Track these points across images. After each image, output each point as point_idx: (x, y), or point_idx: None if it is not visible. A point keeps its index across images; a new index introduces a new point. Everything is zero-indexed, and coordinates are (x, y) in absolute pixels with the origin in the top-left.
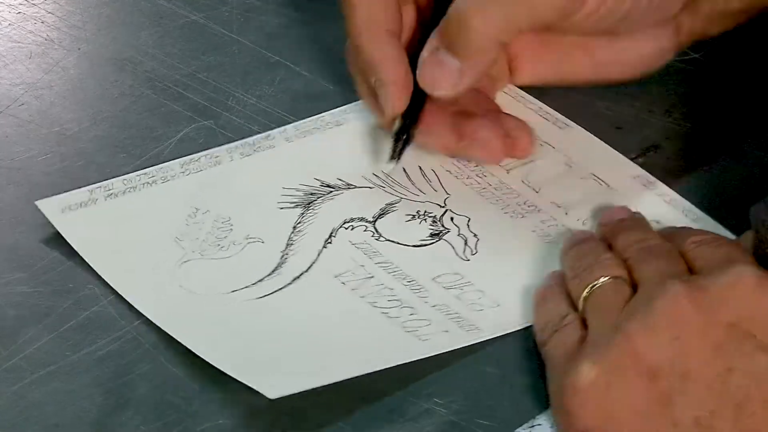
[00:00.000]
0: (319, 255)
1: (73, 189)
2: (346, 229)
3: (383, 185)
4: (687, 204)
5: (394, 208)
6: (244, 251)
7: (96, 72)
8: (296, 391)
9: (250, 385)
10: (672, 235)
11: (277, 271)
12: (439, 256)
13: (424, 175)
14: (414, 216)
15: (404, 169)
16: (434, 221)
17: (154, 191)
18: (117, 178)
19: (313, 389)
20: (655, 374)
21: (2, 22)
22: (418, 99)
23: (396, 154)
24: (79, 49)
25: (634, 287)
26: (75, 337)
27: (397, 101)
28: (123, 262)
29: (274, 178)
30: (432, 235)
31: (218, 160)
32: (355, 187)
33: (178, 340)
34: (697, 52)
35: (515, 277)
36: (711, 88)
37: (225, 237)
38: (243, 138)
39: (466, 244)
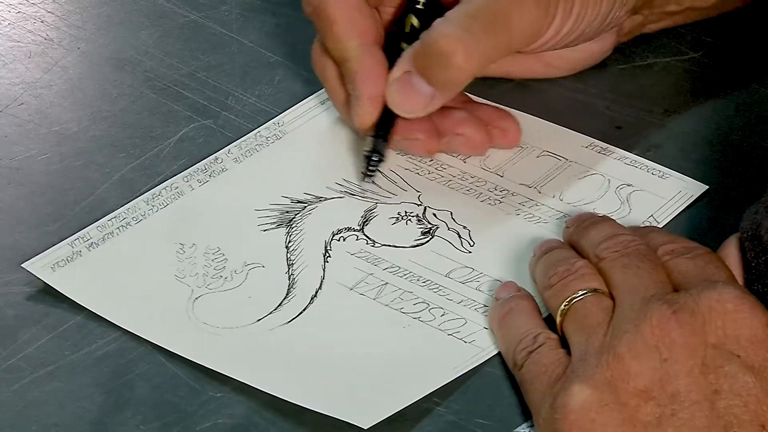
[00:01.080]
0: (324, 270)
1: (72, 189)
2: (338, 240)
3: (352, 192)
4: (649, 163)
5: (375, 214)
6: (249, 278)
7: (95, 71)
8: (387, 416)
9: (342, 418)
10: (641, 235)
11: (291, 294)
12: (441, 253)
13: (386, 176)
14: (398, 218)
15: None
16: (419, 220)
17: (132, 234)
18: (91, 227)
19: None
20: (646, 395)
21: (2, 22)
22: (390, 114)
23: (369, 173)
24: (78, 48)
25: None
26: (74, 336)
27: (367, 116)
28: (135, 310)
29: (243, 201)
30: (423, 233)
31: (179, 191)
32: (325, 198)
33: (241, 380)
34: (696, 52)
35: (523, 261)
36: (710, 88)
37: (224, 267)
38: (240, 138)
39: (459, 236)
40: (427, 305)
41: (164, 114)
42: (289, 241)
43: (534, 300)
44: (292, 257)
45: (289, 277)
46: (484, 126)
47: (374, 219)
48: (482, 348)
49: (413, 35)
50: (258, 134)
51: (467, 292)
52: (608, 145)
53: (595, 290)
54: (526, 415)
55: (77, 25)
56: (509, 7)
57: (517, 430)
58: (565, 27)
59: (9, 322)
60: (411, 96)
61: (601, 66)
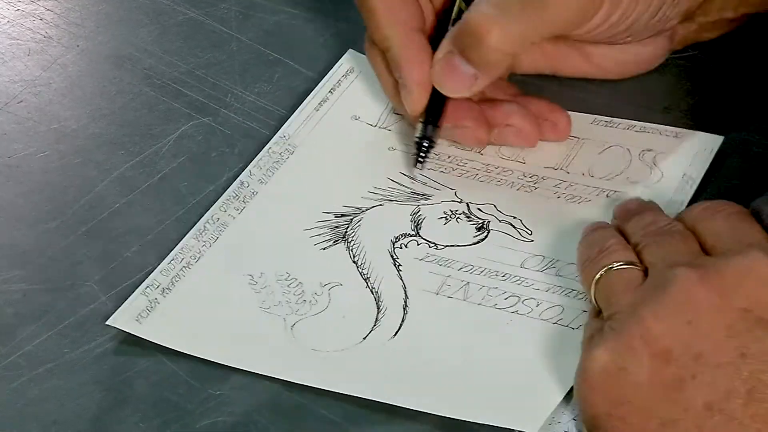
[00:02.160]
0: (402, 279)
1: (71, 186)
2: (400, 248)
3: (389, 198)
4: (660, 126)
5: (422, 216)
6: (333, 298)
7: (94, 69)
8: (549, 414)
9: (509, 427)
10: (683, 215)
11: (382, 307)
12: (505, 245)
13: (414, 179)
14: (446, 218)
15: (392, 180)
16: (468, 216)
17: (198, 272)
18: (155, 273)
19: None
20: (667, 358)
21: (1, 19)
22: (439, 100)
23: (420, 159)
24: (77, 46)
25: (646, 272)
26: (73, 334)
27: (417, 102)
28: (233, 344)
29: (288, 223)
30: (478, 228)
31: (222, 222)
32: (366, 208)
33: (378, 400)
34: (694, 49)
35: (567, 235)
36: (709, 85)
37: (302, 291)
38: (245, 137)
39: (514, 227)
40: (518, 298)
41: (163, 112)
42: (354, 256)
43: None
44: (365, 271)
45: (372, 291)
46: (534, 118)
47: (424, 221)
48: (573, 328)
49: (461, 17)
50: (270, 151)
51: (550, 280)
52: (612, 118)
53: (630, 263)
54: None
55: (76, 22)
56: None
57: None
58: (613, 16)
59: (8, 320)
60: (454, 76)
61: None
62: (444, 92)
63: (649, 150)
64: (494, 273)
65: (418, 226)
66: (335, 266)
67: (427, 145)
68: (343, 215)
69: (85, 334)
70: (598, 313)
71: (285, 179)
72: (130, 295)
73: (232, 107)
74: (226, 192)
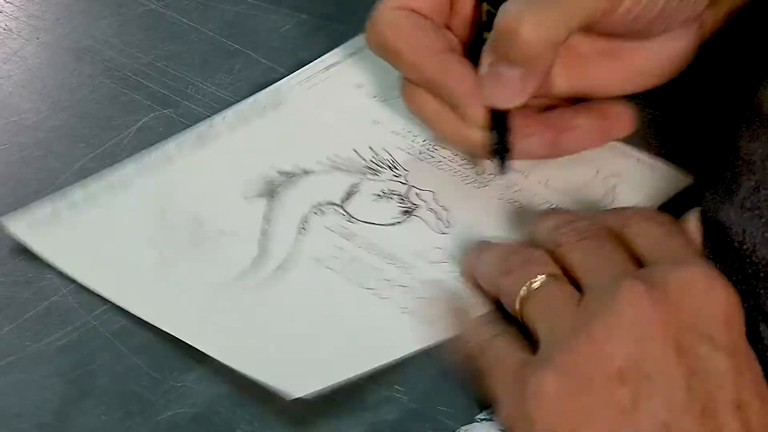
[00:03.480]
0: (296, 242)
1: (32, 179)
2: (317, 214)
3: (341, 167)
4: (640, 153)
5: (357, 189)
6: (220, 245)
7: (54, 61)
8: (318, 389)
9: (271, 386)
10: (605, 216)
11: (258, 262)
12: (416, 233)
13: (376, 154)
14: (380, 195)
15: (355, 151)
16: (401, 198)
17: (116, 197)
18: (76, 185)
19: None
20: (621, 378)
21: None
22: (500, 112)
23: (503, 168)
24: (37, 38)
25: (572, 281)
26: (35, 327)
27: (477, 113)
28: (106, 272)
29: (232, 169)
30: (403, 212)
31: (170, 157)
32: (314, 172)
33: (189, 343)
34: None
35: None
36: (685, 80)
37: (198, 234)
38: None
39: (438, 217)
40: (389, 282)
41: (124, 104)
42: (269, 211)
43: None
44: (267, 228)
45: (259, 247)
46: (599, 115)
47: (356, 195)
48: (431, 334)
49: (491, 21)
50: (255, 101)
51: (434, 274)
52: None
53: (554, 276)
54: (487, 402)
55: (36, 15)
56: None
57: (478, 416)
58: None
59: None
60: (502, 84)
61: None
62: (498, 105)
63: (617, 175)
64: (385, 256)
65: (348, 198)
66: (242, 217)
67: (503, 152)
68: (287, 173)
69: (46, 326)
70: (515, 330)
71: (256, 131)
72: (90, 290)
73: (193, 99)
74: (190, 129)
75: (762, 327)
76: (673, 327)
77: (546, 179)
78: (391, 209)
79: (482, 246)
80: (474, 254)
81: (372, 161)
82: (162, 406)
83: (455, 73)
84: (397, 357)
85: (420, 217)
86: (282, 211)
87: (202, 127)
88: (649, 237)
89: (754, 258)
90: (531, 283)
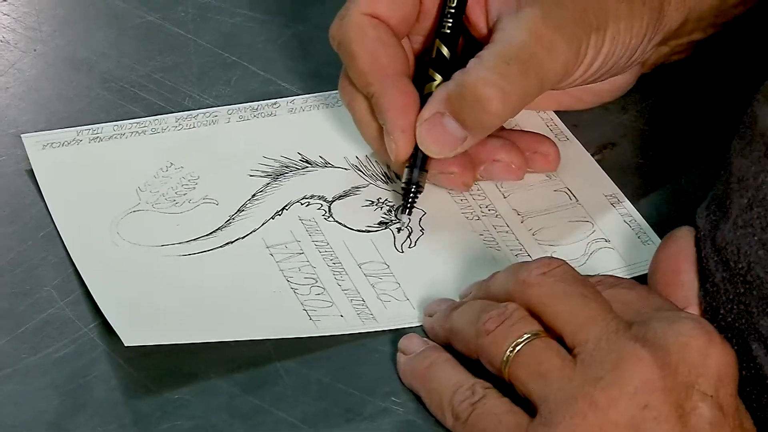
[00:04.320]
0: (262, 225)
1: (28, 192)
2: (302, 204)
3: (360, 169)
4: (644, 224)
5: (358, 192)
6: (196, 210)
7: (51, 73)
8: (154, 343)
9: (113, 326)
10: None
11: (214, 234)
12: (376, 244)
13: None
14: (373, 202)
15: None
16: (389, 210)
17: (140, 141)
18: (108, 123)
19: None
20: None
21: None
22: None
23: (408, 207)
24: (34, 50)
25: (556, 337)
26: (32, 339)
27: (403, 149)
28: (77, 207)
29: (259, 145)
30: (380, 223)
31: (215, 119)
32: (332, 166)
33: (81, 274)
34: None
35: (440, 277)
36: (665, 86)
37: (184, 194)
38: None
39: (408, 237)
40: (313, 282)
41: (121, 115)
42: (260, 191)
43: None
44: (249, 205)
45: (227, 220)
46: (520, 151)
47: (352, 196)
48: (320, 328)
49: (441, 61)
50: (331, 95)
51: (360, 284)
52: (626, 200)
53: (537, 334)
54: None
55: (33, 27)
56: (542, 50)
57: None
58: (594, 64)
59: None
60: (441, 137)
61: None
62: (427, 153)
63: (607, 240)
64: (331, 258)
65: (341, 197)
66: (235, 190)
67: (414, 190)
68: (307, 161)
69: (43, 339)
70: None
71: (309, 119)
72: (88, 301)
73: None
74: (250, 103)
75: (755, 346)
76: (676, 390)
77: (538, 228)
78: (372, 217)
79: (451, 305)
80: (443, 315)
81: (387, 171)
82: (158, 419)
83: (398, 102)
84: (259, 336)
85: (392, 232)
86: (273, 194)
87: (264, 102)
88: (627, 299)
89: (748, 277)
90: (516, 344)
